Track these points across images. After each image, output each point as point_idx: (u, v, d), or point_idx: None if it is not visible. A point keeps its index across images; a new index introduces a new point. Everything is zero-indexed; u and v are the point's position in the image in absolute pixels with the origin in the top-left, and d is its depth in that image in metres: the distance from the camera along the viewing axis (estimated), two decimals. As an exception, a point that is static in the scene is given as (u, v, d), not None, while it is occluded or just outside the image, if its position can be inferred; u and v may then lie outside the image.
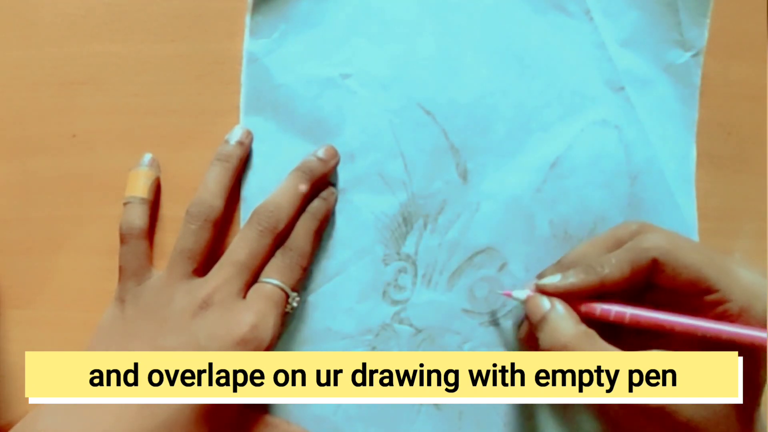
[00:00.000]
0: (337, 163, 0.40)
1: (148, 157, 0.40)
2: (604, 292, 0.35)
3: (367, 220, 0.40)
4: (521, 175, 0.41)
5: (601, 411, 0.40)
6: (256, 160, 0.40)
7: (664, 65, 0.41)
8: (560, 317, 0.35)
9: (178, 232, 0.39)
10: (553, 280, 0.36)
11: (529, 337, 0.38)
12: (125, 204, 0.39)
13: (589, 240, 0.39)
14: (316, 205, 0.39)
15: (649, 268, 0.35)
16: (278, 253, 0.38)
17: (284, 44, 0.41)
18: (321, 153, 0.40)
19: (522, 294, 0.37)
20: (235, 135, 0.40)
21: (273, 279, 0.37)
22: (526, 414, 0.41)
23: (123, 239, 0.39)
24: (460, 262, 0.41)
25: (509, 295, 0.38)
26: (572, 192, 0.41)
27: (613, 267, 0.35)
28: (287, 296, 0.38)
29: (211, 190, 0.39)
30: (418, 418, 0.41)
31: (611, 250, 0.36)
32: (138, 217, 0.39)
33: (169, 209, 0.41)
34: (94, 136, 0.41)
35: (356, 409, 0.40)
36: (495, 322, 0.41)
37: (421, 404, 0.41)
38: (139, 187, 0.40)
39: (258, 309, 0.36)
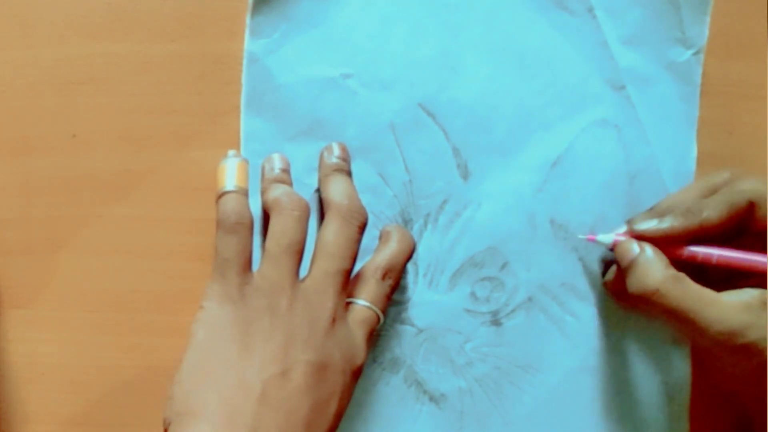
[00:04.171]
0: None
1: (232, 152, 0.38)
2: (701, 236, 0.36)
3: (368, 220, 0.40)
4: (522, 174, 0.41)
5: (691, 344, 0.40)
6: (256, 161, 0.40)
7: (666, 63, 0.41)
8: (649, 261, 0.36)
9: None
10: (650, 224, 0.37)
11: (616, 281, 0.39)
12: (223, 195, 0.36)
13: (682, 188, 0.39)
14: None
15: (745, 210, 0.35)
16: (377, 279, 0.37)
17: (285, 44, 0.40)
18: (338, 152, 0.40)
19: (608, 238, 0.38)
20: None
21: (375, 307, 0.37)
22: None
23: (230, 229, 0.35)
24: (462, 261, 0.41)
25: (593, 240, 0.38)
26: (572, 191, 0.41)
27: (711, 210, 0.36)
28: (378, 321, 0.38)
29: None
30: (420, 418, 0.41)
31: (705, 197, 0.37)
32: (246, 207, 0.36)
33: (169, 210, 0.41)
34: (94, 136, 0.41)
35: (357, 409, 0.40)
36: (497, 322, 0.41)
37: (423, 404, 0.41)
38: (239, 177, 0.37)
39: (365, 336, 0.37)
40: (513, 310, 0.41)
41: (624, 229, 0.38)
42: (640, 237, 0.37)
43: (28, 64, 0.41)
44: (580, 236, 0.40)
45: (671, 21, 0.41)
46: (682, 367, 0.41)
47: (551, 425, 0.41)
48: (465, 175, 0.41)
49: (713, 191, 0.37)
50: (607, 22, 0.41)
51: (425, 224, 0.41)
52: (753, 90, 0.42)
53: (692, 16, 0.41)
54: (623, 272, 0.37)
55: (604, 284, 0.40)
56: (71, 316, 0.41)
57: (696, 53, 0.41)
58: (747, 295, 0.35)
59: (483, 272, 0.41)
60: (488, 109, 0.41)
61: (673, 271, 0.35)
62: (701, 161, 0.41)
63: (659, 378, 0.41)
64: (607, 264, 0.41)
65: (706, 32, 0.41)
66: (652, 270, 0.35)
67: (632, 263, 0.36)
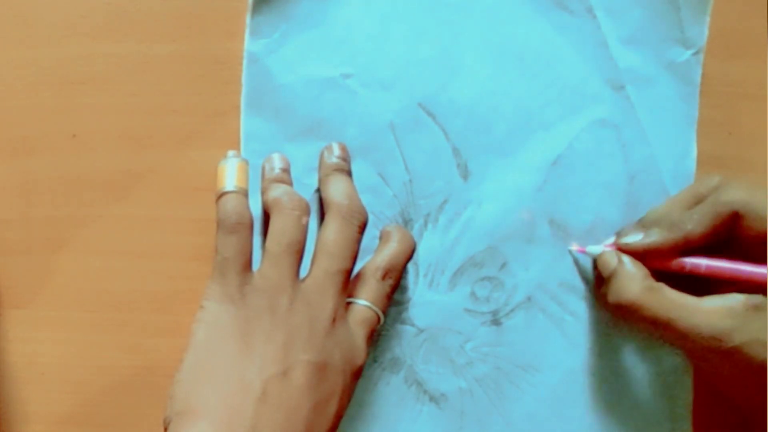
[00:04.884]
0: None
1: (232, 152, 0.38)
2: (687, 248, 0.36)
3: (368, 220, 0.40)
4: (522, 174, 0.41)
5: (683, 348, 0.40)
6: (256, 161, 0.40)
7: (666, 63, 0.41)
8: (627, 274, 0.36)
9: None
10: (636, 238, 0.37)
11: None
12: (223, 195, 0.36)
13: (669, 198, 0.39)
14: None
15: (730, 221, 0.36)
16: (377, 279, 0.37)
17: (285, 44, 0.40)
18: (338, 152, 0.40)
19: (597, 249, 0.39)
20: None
21: (375, 307, 0.37)
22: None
23: (231, 229, 0.35)
24: (462, 261, 0.41)
25: (583, 251, 0.39)
26: (572, 191, 0.41)
27: (695, 223, 0.36)
28: (378, 321, 0.38)
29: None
30: (420, 418, 0.41)
31: (691, 207, 0.37)
32: (246, 207, 0.36)
33: (169, 210, 0.41)
34: (94, 136, 0.41)
35: (357, 409, 0.40)
36: (497, 322, 0.41)
37: (423, 404, 0.41)
38: (239, 177, 0.37)
39: (366, 336, 0.37)
40: (512, 310, 0.41)
41: (613, 239, 0.38)
42: (626, 250, 0.37)
43: (28, 64, 0.41)
44: (570, 248, 0.40)
45: (671, 21, 0.41)
46: (683, 366, 0.41)
47: (552, 425, 0.41)
48: (465, 175, 0.41)
49: (700, 200, 0.37)
50: (606, 22, 0.41)
51: (425, 224, 0.41)
52: (753, 90, 0.42)
53: (692, 16, 0.41)
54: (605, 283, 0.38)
55: (599, 296, 0.40)
56: (71, 316, 0.41)
57: (696, 53, 0.41)
58: (731, 299, 0.35)
59: (483, 272, 0.41)
60: (488, 109, 0.41)
61: (650, 282, 0.36)
62: (701, 161, 0.41)
63: (661, 377, 0.41)
64: (597, 276, 0.41)
65: (706, 32, 0.41)
66: (630, 282, 0.36)
67: (611, 275, 0.37)
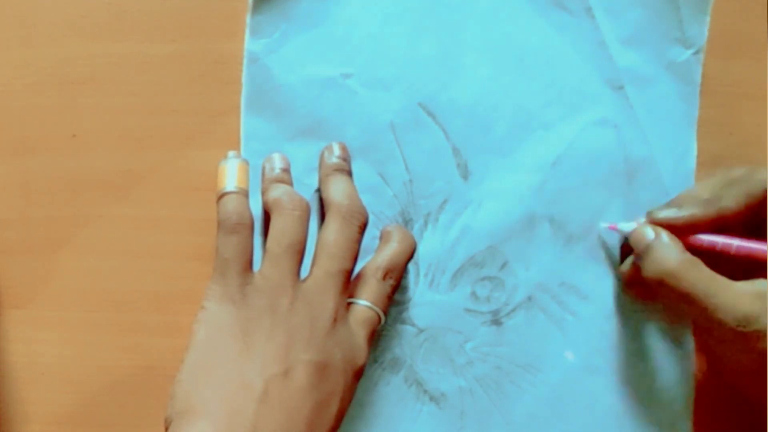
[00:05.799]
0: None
1: (232, 152, 0.38)
2: (720, 226, 0.37)
3: (368, 220, 0.40)
4: (522, 174, 0.41)
5: (701, 334, 0.40)
6: (256, 161, 0.40)
7: (666, 63, 0.41)
8: (665, 245, 0.36)
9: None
10: (669, 213, 0.37)
11: (631, 271, 0.39)
12: (223, 195, 0.36)
13: (701, 181, 0.39)
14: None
15: (761, 201, 0.36)
16: (378, 279, 0.37)
17: (285, 44, 0.41)
18: (339, 152, 0.40)
19: (629, 227, 0.39)
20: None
21: (376, 307, 0.37)
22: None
23: (231, 229, 0.35)
24: (462, 261, 0.41)
25: (615, 228, 0.39)
26: (572, 191, 0.41)
27: (729, 200, 0.36)
28: (379, 321, 0.38)
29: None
30: (420, 418, 0.41)
31: (723, 189, 0.37)
32: (247, 208, 0.36)
33: (169, 210, 0.41)
34: (94, 136, 0.41)
35: (358, 409, 0.40)
36: (497, 322, 0.41)
37: (423, 404, 0.41)
38: (239, 178, 0.37)
39: (366, 336, 0.37)
40: (513, 310, 0.41)
41: (644, 219, 0.39)
42: (659, 225, 0.37)
43: (28, 64, 0.41)
44: (602, 224, 0.40)
45: (671, 21, 0.41)
46: (685, 365, 0.41)
47: (552, 425, 0.41)
48: (465, 175, 0.41)
49: (731, 184, 0.37)
50: (605, 22, 0.41)
51: (425, 224, 0.41)
52: (753, 90, 0.42)
53: (692, 15, 0.41)
54: (638, 258, 0.37)
55: (621, 274, 0.41)
56: (71, 316, 0.41)
57: (696, 53, 0.41)
58: (760, 284, 0.35)
59: (483, 272, 0.41)
60: (488, 109, 0.41)
61: (689, 255, 0.36)
62: (701, 161, 0.41)
63: (662, 377, 0.41)
64: (623, 255, 0.41)
65: (706, 32, 0.41)
66: (668, 253, 0.36)
67: (648, 247, 0.37)
